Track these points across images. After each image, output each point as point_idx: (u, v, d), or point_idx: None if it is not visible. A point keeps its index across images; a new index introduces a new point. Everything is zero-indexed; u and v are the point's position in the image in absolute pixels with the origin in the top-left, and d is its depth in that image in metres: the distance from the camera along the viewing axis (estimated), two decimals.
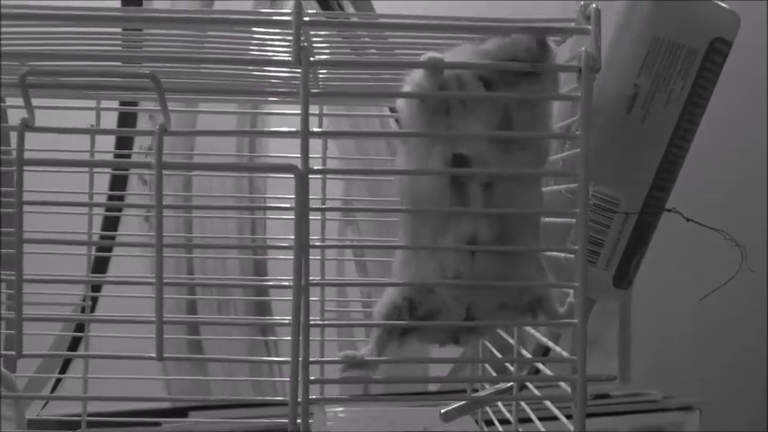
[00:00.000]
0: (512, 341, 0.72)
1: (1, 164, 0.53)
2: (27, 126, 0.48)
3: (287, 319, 0.50)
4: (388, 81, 0.70)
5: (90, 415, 0.90)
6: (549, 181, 0.62)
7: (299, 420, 0.50)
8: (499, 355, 0.77)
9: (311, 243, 0.49)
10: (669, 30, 0.59)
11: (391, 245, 0.69)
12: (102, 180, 1.14)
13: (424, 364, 1.27)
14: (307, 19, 0.48)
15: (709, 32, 0.59)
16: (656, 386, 1.45)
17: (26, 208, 0.48)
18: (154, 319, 0.48)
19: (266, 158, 1.04)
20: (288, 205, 0.49)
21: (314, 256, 0.80)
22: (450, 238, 0.54)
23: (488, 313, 0.56)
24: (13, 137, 1.12)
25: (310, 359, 0.49)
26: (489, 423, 0.81)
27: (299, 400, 0.49)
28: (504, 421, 0.76)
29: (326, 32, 0.59)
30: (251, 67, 0.66)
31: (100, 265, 1.20)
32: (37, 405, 1.19)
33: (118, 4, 1.23)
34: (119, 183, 1.20)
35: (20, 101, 0.47)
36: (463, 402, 0.67)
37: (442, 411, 0.67)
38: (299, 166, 0.48)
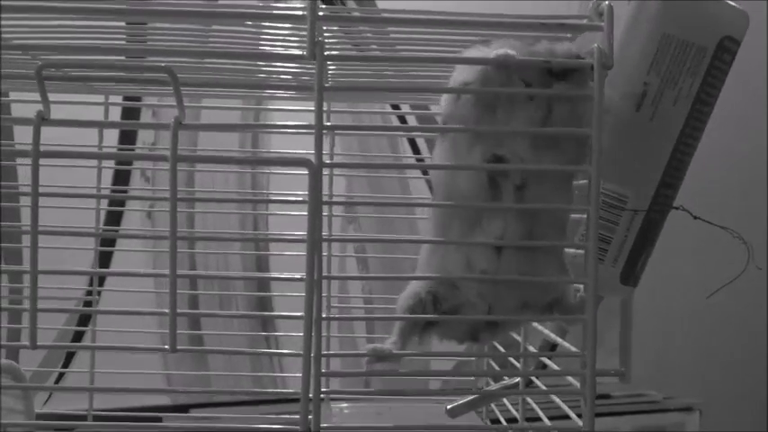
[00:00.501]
0: (518, 338, 0.72)
1: (1, 157, 0.53)
2: (43, 119, 0.48)
3: (298, 314, 0.50)
4: (390, 78, 0.70)
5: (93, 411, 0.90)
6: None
7: (310, 417, 0.50)
8: (504, 351, 0.77)
9: (327, 238, 0.50)
10: (678, 28, 0.59)
11: (398, 239, 0.69)
12: (105, 178, 1.15)
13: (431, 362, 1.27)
14: (321, 14, 0.48)
15: (718, 31, 0.59)
16: (656, 387, 1.45)
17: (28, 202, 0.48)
18: (165, 311, 0.49)
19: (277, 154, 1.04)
20: (298, 199, 0.50)
21: (328, 252, 0.81)
22: (479, 236, 0.54)
23: (510, 312, 0.56)
24: (17, 131, 1.13)
25: (323, 352, 0.50)
26: (495, 421, 0.81)
27: (311, 395, 0.49)
28: (510, 420, 0.76)
29: (333, 28, 0.59)
30: (261, 63, 0.66)
31: (102, 263, 1.20)
32: (39, 400, 1.19)
33: None
34: (121, 180, 1.20)
35: (23, 95, 0.48)
36: (469, 398, 0.67)
37: (449, 407, 0.68)
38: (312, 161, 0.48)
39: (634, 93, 0.59)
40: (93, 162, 0.80)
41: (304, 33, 0.48)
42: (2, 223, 0.61)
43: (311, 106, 0.82)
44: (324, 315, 0.51)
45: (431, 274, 0.57)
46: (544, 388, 0.66)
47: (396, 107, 1.06)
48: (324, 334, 0.84)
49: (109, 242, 1.21)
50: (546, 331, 0.64)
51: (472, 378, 0.84)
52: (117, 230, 0.82)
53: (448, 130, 0.55)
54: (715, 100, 0.61)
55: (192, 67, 0.69)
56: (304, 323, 0.49)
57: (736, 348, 1.60)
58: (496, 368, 0.77)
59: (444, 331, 0.57)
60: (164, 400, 1.28)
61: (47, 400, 1.20)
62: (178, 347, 0.49)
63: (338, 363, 1.11)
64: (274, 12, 0.50)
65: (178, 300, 1.27)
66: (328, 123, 0.52)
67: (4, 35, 0.56)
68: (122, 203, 1.13)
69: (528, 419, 0.73)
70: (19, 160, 0.90)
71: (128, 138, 1.21)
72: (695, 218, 0.62)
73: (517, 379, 0.68)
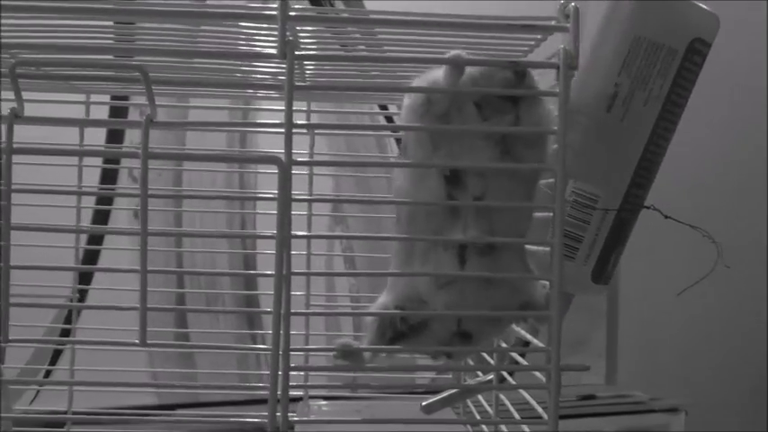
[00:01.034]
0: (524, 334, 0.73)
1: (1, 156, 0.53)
2: (16, 116, 0.49)
3: (267, 309, 0.50)
4: (376, 78, 0.71)
5: (77, 412, 0.90)
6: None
7: (278, 414, 0.50)
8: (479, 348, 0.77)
9: (295, 235, 0.50)
10: (649, 30, 0.60)
11: (372, 236, 0.70)
12: (93, 177, 1.15)
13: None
14: (292, 13, 0.49)
15: (688, 33, 0.60)
16: (642, 388, 1.46)
17: (15, 201, 0.49)
18: (135, 306, 0.49)
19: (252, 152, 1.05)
20: (269, 196, 0.50)
21: (301, 250, 0.81)
22: (441, 250, 0.55)
23: (481, 323, 0.57)
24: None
25: (293, 346, 0.50)
26: (475, 425, 0.81)
27: (279, 393, 0.50)
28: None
29: (316, 28, 0.60)
30: (239, 62, 0.67)
31: (90, 262, 1.21)
32: (25, 400, 1.19)
33: None
34: (109, 179, 1.21)
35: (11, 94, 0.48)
36: (444, 394, 0.68)
37: (423, 404, 0.68)
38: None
39: (605, 93, 0.60)
40: (75, 160, 0.80)
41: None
42: None
43: (298, 106, 0.84)
44: (301, 311, 0.51)
45: (400, 290, 0.57)
46: (513, 382, 0.66)
47: (383, 107, 1.07)
48: (305, 332, 0.86)
49: (96, 241, 1.22)
50: (518, 329, 0.65)
51: (449, 375, 0.85)
52: (90, 228, 0.82)
53: (423, 129, 0.55)
54: (685, 101, 0.62)
55: (177, 66, 0.70)
56: (272, 318, 0.50)
57: (722, 350, 1.61)
58: (471, 363, 0.78)
59: (414, 346, 0.58)
60: (151, 399, 1.29)
61: (33, 400, 1.20)
62: (150, 341, 0.50)
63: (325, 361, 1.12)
64: (248, 12, 0.51)
65: (164, 298, 1.27)
66: (300, 122, 0.52)
67: None
68: (110, 203, 1.14)
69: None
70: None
71: (115, 137, 1.22)
72: (666, 217, 0.63)
73: (491, 375, 0.69)
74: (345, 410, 0.81)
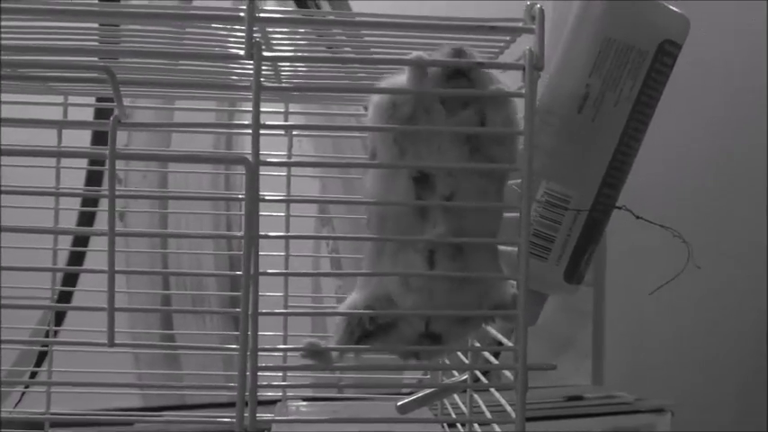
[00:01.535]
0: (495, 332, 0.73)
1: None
2: None
3: (236, 309, 0.51)
4: (364, 79, 0.71)
5: (55, 414, 0.89)
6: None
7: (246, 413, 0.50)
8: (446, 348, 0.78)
9: (262, 235, 0.51)
10: (620, 31, 0.60)
11: (344, 237, 0.70)
12: (78, 179, 1.16)
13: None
14: (261, 15, 0.49)
15: (658, 34, 0.61)
16: (628, 388, 1.46)
17: None
18: (103, 306, 0.49)
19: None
20: (238, 197, 0.51)
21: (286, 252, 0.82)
22: (411, 251, 0.55)
23: (450, 325, 0.57)
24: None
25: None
26: (452, 426, 0.81)
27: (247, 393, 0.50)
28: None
29: (290, 30, 0.60)
30: (222, 64, 0.67)
31: (74, 264, 1.21)
32: (10, 403, 1.19)
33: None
34: (94, 181, 1.20)
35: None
36: (419, 394, 0.68)
37: (399, 404, 0.68)
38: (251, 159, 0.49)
39: (577, 94, 0.61)
40: (53, 162, 0.81)
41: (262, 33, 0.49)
42: None
43: (280, 108, 0.84)
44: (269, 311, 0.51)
45: (370, 290, 0.58)
46: (485, 380, 0.67)
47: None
48: (264, 332, 0.85)
49: (82, 243, 1.22)
50: (493, 332, 0.65)
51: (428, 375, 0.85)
52: (55, 229, 0.82)
53: (391, 130, 0.56)
54: (656, 102, 0.62)
55: (163, 68, 0.70)
56: (241, 318, 0.50)
57: (708, 351, 1.62)
58: (447, 362, 0.78)
59: (382, 346, 0.58)
60: (136, 401, 1.29)
61: (18, 402, 1.20)
62: (117, 342, 0.50)
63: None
64: (216, 13, 0.51)
65: (150, 300, 1.27)
66: (269, 122, 0.52)
67: None
68: (95, 204, 1.14)
69: (483, 424, 0.73)
70: None
71: (100, 139, 1.21)
72: (637, 218, 0.64)
73: (466, 375, 0.69)
74: (325, 411, 0.82)
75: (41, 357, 1.21)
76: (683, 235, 0.63)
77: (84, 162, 1.14)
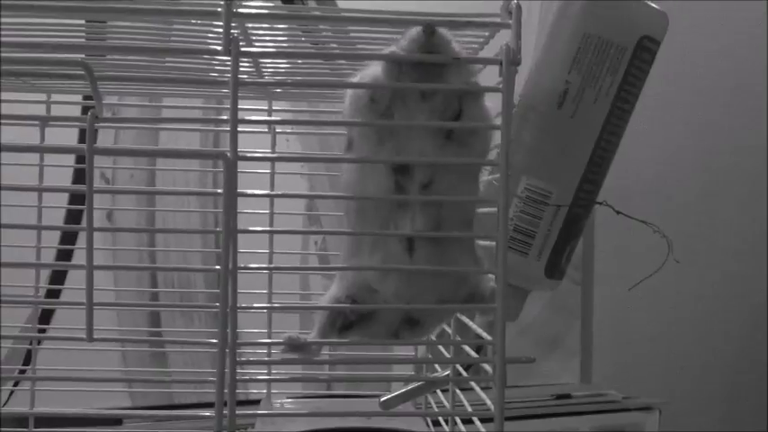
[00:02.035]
0: (449, 330, 0.74)
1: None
2: None
3: (215, 304, 0.51)
4: (347, 76, 0.71)
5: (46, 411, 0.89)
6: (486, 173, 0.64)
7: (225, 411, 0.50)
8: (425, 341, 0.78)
9: (240, 230, 0.51)
10: (599, 27, 0.61)
11: (319, 231, 0.70)
12: (66, 177, 1.15)
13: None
14: (239, 11, 0.49)
15: (637, 30, 0.61)
16: (616, 387, 1.47)
17: None
18: (81, 303, 0.50)
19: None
20: (217, 192, 0.51)
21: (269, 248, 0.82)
22: (390, 240, 0.56)
23: (427, 310, 0.58)
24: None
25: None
26: (436, 424, 0.81)
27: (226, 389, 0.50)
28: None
29: (270, 26, 0.60)
30: (209, 60, 0.67)
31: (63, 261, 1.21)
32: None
33: None
34: (81, 179, 1.20)
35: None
36: (402, 390, 0.68)
37: (382, 399, 0.69)
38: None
39: (556, 90, 0.61)
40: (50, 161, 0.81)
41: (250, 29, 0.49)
42: None
43: (266, 105, 0.84)
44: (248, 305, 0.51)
45: (350, 279, 0.59)
46: (465, 374, 0.67)
47: None
48: (250, 329, 0.85)
49: (69, 241, 1.22)
50: (472, 325, 0.66)
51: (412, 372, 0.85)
52: (48, 226, 0.82)
53: (369, 125, 0.56)
54: (635, 98, 0.63)
55: (150, 65, 0.70)
56: (219, 313, 0.50)
57: (696, 349, 1.62)
58: (429, 356, 0.79)
59: (364, 333, 0.59)
60: (124, 401, 1.28)
61: (6, 402, 1.20)
62: (96, 337, 0.50)
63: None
64: (195, 8, 0.51)
65: (139, 298, 1.26)
66: (250, 118, 0.52)
67: None
68: (83, 202, 1.14)
69: (467, 422, 0.74)
70: None
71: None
72: (618, 213, 0.64)
73: (449, 371, 0.70)
74: (309, 408, 0.82)
75: (29, 357, 1.21)
76: (669, 233, 0.64)
77: (69, 161, 1.15)
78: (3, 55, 0.55)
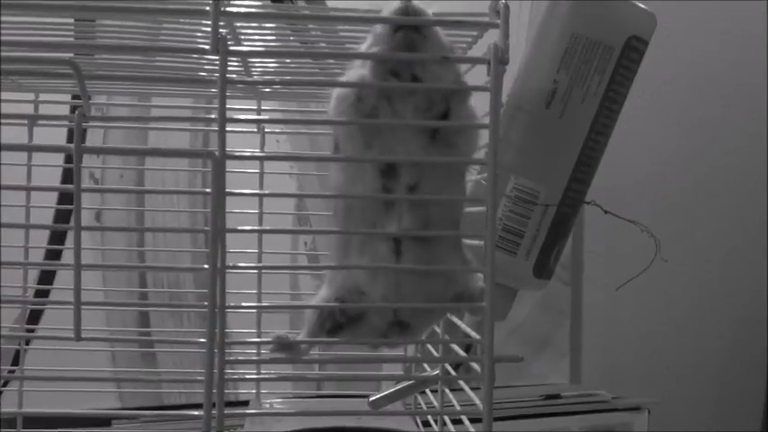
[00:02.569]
0: (438, 329, 0.74)
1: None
2: None
3: (204, 303, 0.51)
4: (337, 75, 0.71)
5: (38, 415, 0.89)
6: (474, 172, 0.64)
7: (214, 411, 0.50)
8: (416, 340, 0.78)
9: (228, 229, 0.51)
10: (587, 27, 0.61)
11: (307, 230, 0.70)
12: (55, 177, 1.15)
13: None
14: (227, 9, 0.49)
15: (625, 30, 0.61)
16: (606, 387, 1.47)
17: None
18: (69, 302, 0.49)
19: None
20: (205, 191, 0.51)
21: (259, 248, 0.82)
22: (377, 241, 0.56)
23: (416, 312, 0.58)
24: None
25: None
26: (426, 424, 0.81)
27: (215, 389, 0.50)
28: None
29: (274, 26, 0.60)
30: (198, 59, 0.67)
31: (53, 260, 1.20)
32: None
33: None
34: (70, 179, 1.20)
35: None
36: (391, 390, 0.68)
37: (371, 399, 0.69)
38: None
39: (544, 90, 0.61)
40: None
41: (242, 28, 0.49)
42: None
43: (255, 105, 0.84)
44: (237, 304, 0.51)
45: (339, 282, 0.59)
46: (453, 373, 0.67)
47: None
48: (240, 330, 0.85)
49: (58, 241, 1.21)
50: (462, 325, 0.66)
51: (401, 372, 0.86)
52: (36, 225, 0.82)
53: (354, 123, 0.56)
54: (623, 98, 0.63)
55: (141, 65, 0.70)
56: (208, 313, 0.50)
57: (685, 349, 1.63)
58: (419, 355, 0.79)
59: (353, 335, 0.59)
60: (113, 403, 1.28)
61: None
62: (84, 336, 0.50)
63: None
64: (182, 7, 0.51)
65: (128, 298, 1.26)
66: (238, 117, 0.52)
67: None
68: (71, 202, 1.13)
69: (457, 422, 0.73)
70: None
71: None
72: (606, 212, 0.64)
73: (438, 370, 0.70)
74: (299, 407, 0.82)
75: (17, 358, 1.20)
76: (661, 233, 0.64)
77: (61, 160, 1.14)
78: None
